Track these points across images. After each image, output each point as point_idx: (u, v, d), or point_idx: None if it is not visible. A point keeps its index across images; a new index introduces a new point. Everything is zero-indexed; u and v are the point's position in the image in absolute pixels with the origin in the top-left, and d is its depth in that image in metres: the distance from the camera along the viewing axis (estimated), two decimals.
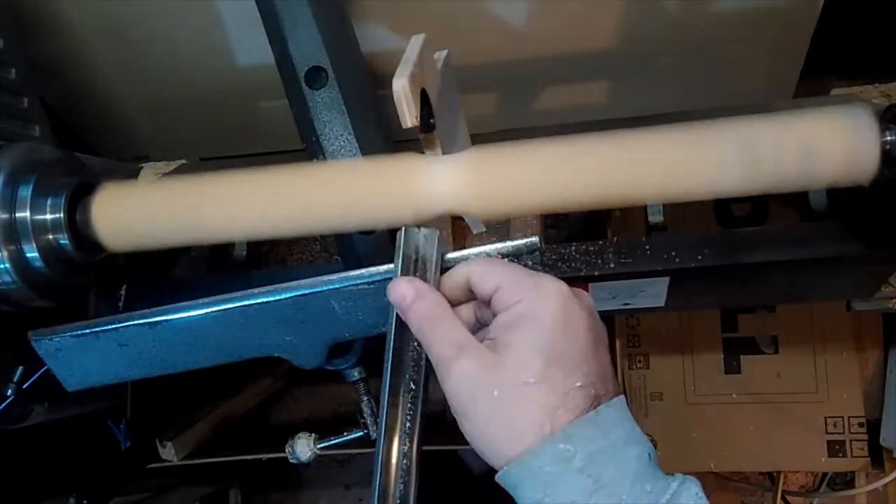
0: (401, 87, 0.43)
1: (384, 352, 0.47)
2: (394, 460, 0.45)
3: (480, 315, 0.48)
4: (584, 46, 0.77)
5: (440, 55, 0.53)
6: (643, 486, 0.39)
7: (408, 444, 0.45)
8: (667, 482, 0.40)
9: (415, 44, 0.47)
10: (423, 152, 0.50)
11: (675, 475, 0.41)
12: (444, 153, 0.49)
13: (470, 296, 0.48)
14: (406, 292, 0.45)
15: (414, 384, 0.46)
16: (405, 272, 0.47)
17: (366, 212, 0.51)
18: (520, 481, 0.41)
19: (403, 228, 0.48)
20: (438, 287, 0.47)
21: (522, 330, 0.42)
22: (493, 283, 0.45)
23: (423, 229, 0.48)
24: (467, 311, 0.48)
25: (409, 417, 0.45)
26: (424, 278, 0.47)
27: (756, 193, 0.47)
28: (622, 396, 0.43)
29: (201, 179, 0.53)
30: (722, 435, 1.24)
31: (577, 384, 0.41)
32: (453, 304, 0.47)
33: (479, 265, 0.46)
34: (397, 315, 0.46)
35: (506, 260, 0.48)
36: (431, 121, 0.47)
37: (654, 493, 0.39)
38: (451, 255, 0.49)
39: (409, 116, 0.45)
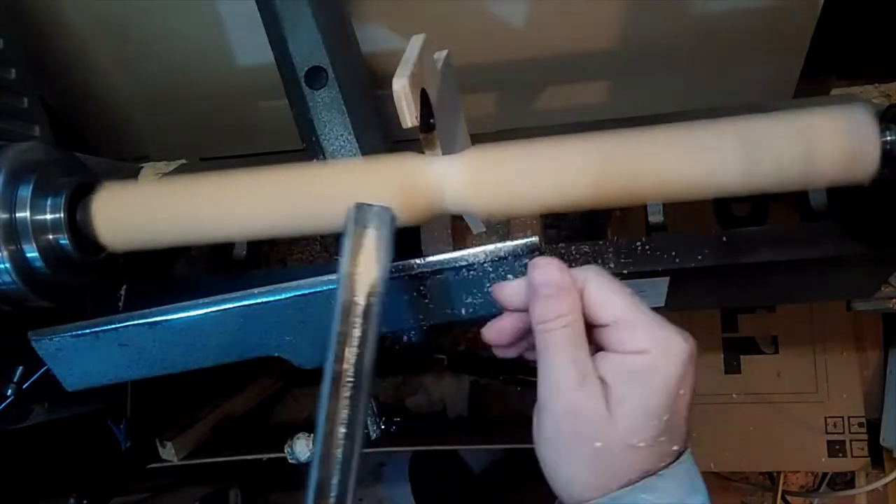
0: (401, 87, 0.43)
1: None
2: (333, 452, 0.41)
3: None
4: (584, 46, 0.77)
5: (440, 55, 0.53)
6: None
7: (347, 436, 0.41)
8: None
9: (415, 44, 0.47)
10: (423, 152, 0.50)
11: None
12: (444, 153, 0.49)
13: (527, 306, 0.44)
14: (556, 280, 0.41)
15: (355, 374, 0.42)
16: (354, 254, 0.44)
17: None
18: None
19: (354, 204, 0.45)
20: (387, 271, 0.44)
21: (642, 387, 0.40)
22: (610, 315, 0.41)
23: (375, 206, 0.45)
24: (521, 318, 0.45)
25: (349, 408, 0.42)
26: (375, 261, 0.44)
27: (756, 193, 0.47)
28: (689, 450, 0.43)
29: (201, 179, 0.53)
30: (722, 435, 1.24)
31: (675, 448, 0.41)
32: (524, 301, 0.44)
33: (599, 284, 0.42)
34: (342, 300, 0.43)
35: (623, 284, 0.43)
36: (431, 121, 0.47)
37: None
38: (456, 254, 0.48)
39: (409, 116, 0.44)
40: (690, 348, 0.41)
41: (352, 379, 0.42)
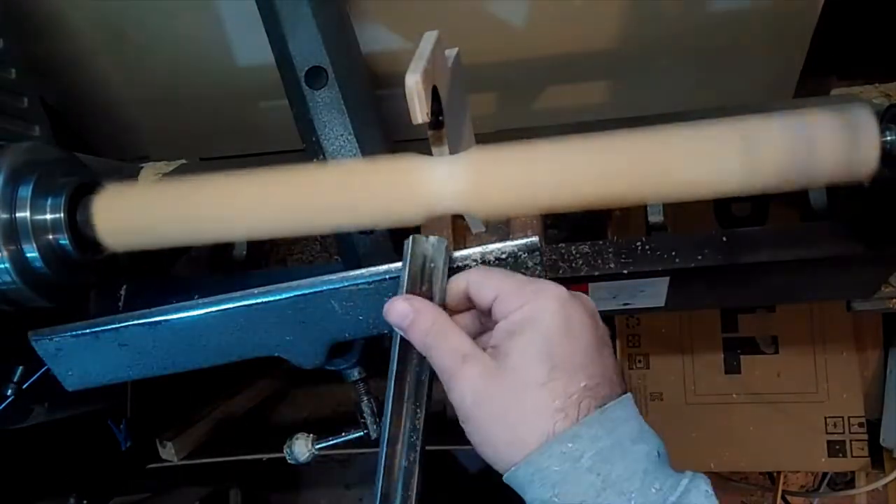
0: (414, 83, 0.44)
1: (388, 358, 0.47)
2: (396, 467, 0.45)
3: (483, 321, 0.48)
4: (584, 46, 0.77)
5: (451, 53, 0.52)
6: (652, 484, 0.40)
7: (410, 451, 0.45)
8: (676, 480, 0.40)
9: (428, 40, 0.47)
10: (423, 152, 0.50)
11: (685, 473, 0.41)
12: (450, 151, 0.49)
13: (471, 304, 0.48)
14: (404, 312, 0.46)
15: (417, 392, 0.46)
16: (412, 281, 0.47)
17: (366, 212, 0.51)
18: (528, 482, 0.41)
19: (411, 237, 0.48)
20: (446, 295, 0.47)
21: (524, 336, 0.42)
22: (491, 292, 0.45)
23: (431, 238, 0.48)
24: (471, 318, 0.48)
25: (412, 424, 0.46)
26: (431, 288, 0.47)
27: (756, 193, 0.47)
28: (629, 395, 0.43)
29: (201, 179, 0.53)
30: (722, 435, 1.24)
31: (582, 384, 0.42)
32: (455, 312, 0.47)
33: (477, 274, 0.47)
34: None
35: (505, 269, 0.48)
36: (440, 118, 0.47)
37: (663, 490, 0.39)
38: (456, 254, 0.49)
39: (419, 112, 0.45)
40: (561, 292, 0.44)
41: (413, 397, 0.46)
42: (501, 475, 0.43)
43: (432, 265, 0.47)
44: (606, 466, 0.40)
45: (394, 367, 0.47)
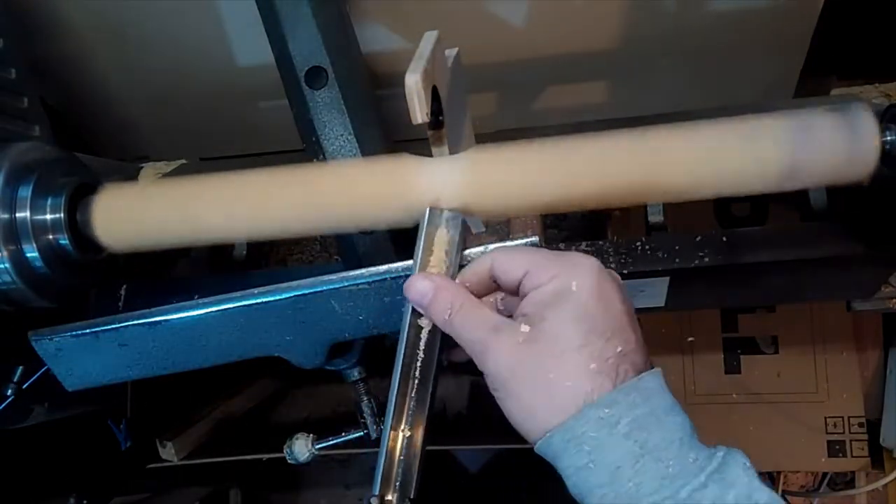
0: (414, 83, 0.43)
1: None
2: (398, 447, 0.45)
3: (504, 307, 0.47)
4: (584, 46, 0.77)
5: (451, 53, 0.52)
6: (689, 455, 0.39)
7: (412, 432, 0.45)
8: (712, 452, 0.40)
9: (428, 40, 0.46)
10: (423, 152, 0.50)
11: (718, 447, 0.40)
12: (450, 151, 0.49)
13: (490, 288, 0.47)
14: (424, 289, 0.45)
15: (423, 374, 0.46)
16: (426, 254, 0.47)
17: (366, 211, 0.51)
18: (563, 449, 0.40)
19: (428, 209, 0.48)
20: (457, 271, 0.47)
21: (558, 304, 0.42)
22: (521, 268, 0.44)
23: (446, 212, 0.48)
24: (489, 305, 0.47)
25: (414, 406, 0.45)
26: (447, 263, 0.47)
27: (756, 193, 0.47)
28: (659, 369, 0.43)
29: (201, 180, 0.53)
30: (722, 435, 1.24)
31: (619, 349, 0.41)
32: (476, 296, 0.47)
33: (503, 253, 0.46)
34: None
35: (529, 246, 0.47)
36: (440, 118, 0.47)
37: (700, 461, 0.39)
38: (467, 252, 0.48)
39: (419, 112, 0.44)
40: (594, 262, 0.44)
41: (419, 371, 0.46)
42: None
43: (447, 239, 0.47)
44: (643, 434, 0.39)
45: (403, 345, 0.46)
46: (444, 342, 0.47)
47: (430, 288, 0.45)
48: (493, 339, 0.42)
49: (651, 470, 0.38)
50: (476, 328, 0.43)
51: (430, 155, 0.50)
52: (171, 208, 0.53)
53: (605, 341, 0.41)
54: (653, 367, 0.43)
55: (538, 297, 0.43)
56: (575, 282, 0.42)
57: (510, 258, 0.45)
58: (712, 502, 0.37)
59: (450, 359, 0.50)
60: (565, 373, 0.40)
